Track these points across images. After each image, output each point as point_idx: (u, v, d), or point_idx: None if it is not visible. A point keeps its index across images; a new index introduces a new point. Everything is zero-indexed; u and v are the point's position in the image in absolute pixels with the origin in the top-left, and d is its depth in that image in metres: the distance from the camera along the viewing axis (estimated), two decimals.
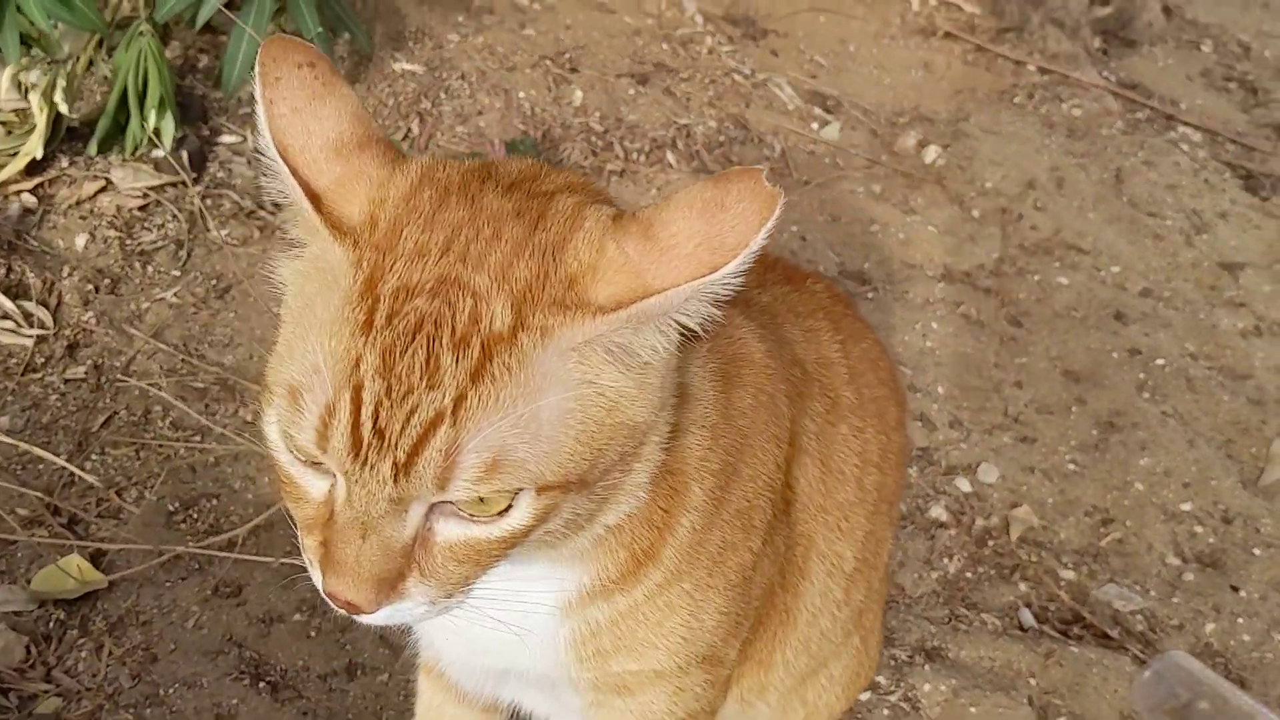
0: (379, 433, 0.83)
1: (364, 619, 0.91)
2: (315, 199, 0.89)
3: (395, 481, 0.84)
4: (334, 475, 0.88)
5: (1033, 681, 1.90)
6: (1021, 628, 2.01)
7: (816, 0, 3.52)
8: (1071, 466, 2.31)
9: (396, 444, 0.83)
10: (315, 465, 0.89)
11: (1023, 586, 2.09)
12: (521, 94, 2.90)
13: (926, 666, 1.89)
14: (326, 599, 0.90)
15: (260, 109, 0.89)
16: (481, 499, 0.86)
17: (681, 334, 0.90)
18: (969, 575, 2.10)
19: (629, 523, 1.04)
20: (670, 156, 2.86)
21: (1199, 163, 3.36)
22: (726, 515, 1.10)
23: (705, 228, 0.85)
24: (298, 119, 0.90)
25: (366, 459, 0.84)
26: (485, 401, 0.83)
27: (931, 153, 3.08)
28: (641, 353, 0.89)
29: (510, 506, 0.88)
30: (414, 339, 0.83)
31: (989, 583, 2.09)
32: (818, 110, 3.18)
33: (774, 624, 1.30)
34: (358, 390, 0.83)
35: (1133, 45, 3.97)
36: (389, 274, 0.85)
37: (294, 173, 0.89)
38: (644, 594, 1.08)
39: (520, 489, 0.87)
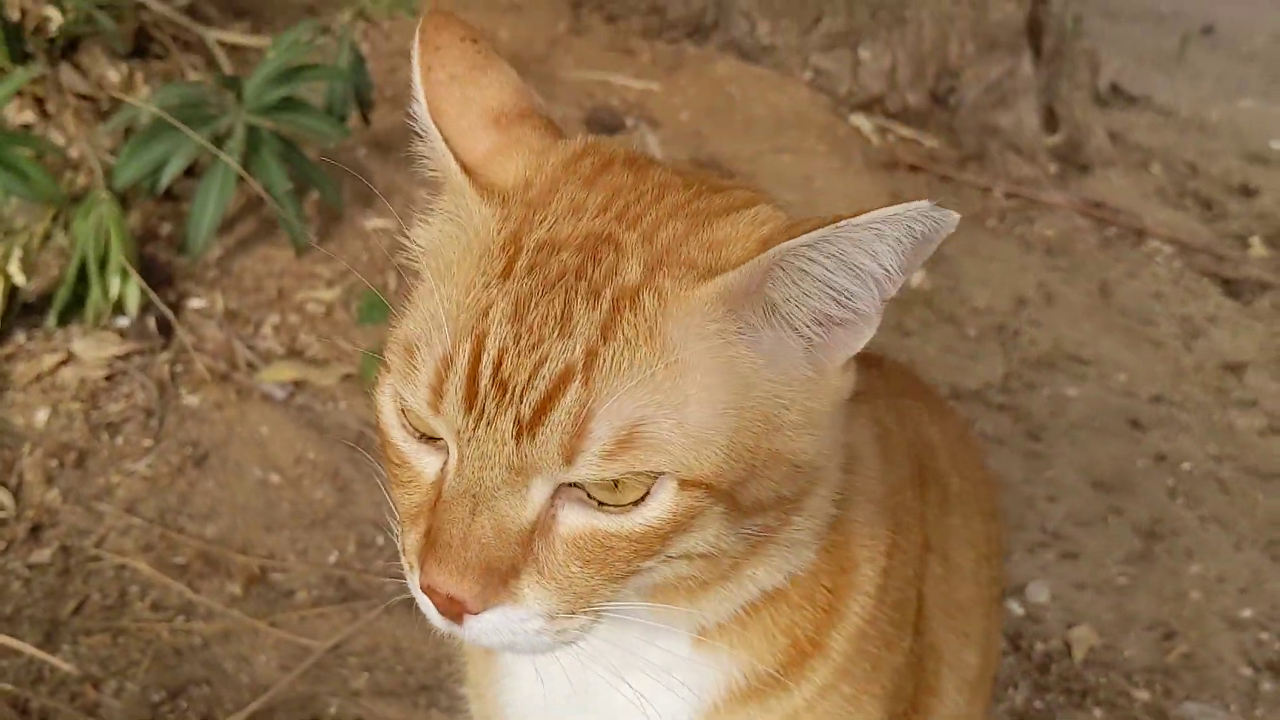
0: (500, 385, 0.73)
1: (468, 628, 0.77)
2: (465, 165, 0.84)
3: (517, 441, 0.73)
4: (448, 451, 0.77)
5: None
6: None
7: (778, 141, 3.53)
8: (1122, 580, 2.18)
9: (521, 397, 0.72)
10: (429, 441, 0.79)
11: (1098, 713, 1.91)
12: None
13: None
14: (424, 603, 0.77)
15: (417, 75, 0.86)
16: (615, 483, 0.74)
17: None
18: (1038, 705, 1.92)
19: (790, 598, 0.90)
20: None
21: (1176, 272, 3.36)
22: (888, 605, 0.95)
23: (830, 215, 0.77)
24: (455, 86, 0.87)
25: (484, 413, 0.74)
26: (619, 360, 0.73)
27: (917, 277, 3.03)
28: (794, 351, 0.79)
29: (647, 495, 0.75)
30: (552, 289, 0.75)
31: (1061, 711, 1.91)
32: None
33: None
34: (480, 339, 0.74)
35: (1086, 169, 4.04)
36: (537, 227, 0.79)
37: (445, 138, 0.85)
38: (804, 699, 0.91)
39: (660, 474, 0.74)
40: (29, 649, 1.62)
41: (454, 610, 0.76)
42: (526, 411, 0.73)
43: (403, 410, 0.80)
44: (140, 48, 2.93)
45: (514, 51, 3.73)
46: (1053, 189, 3.68)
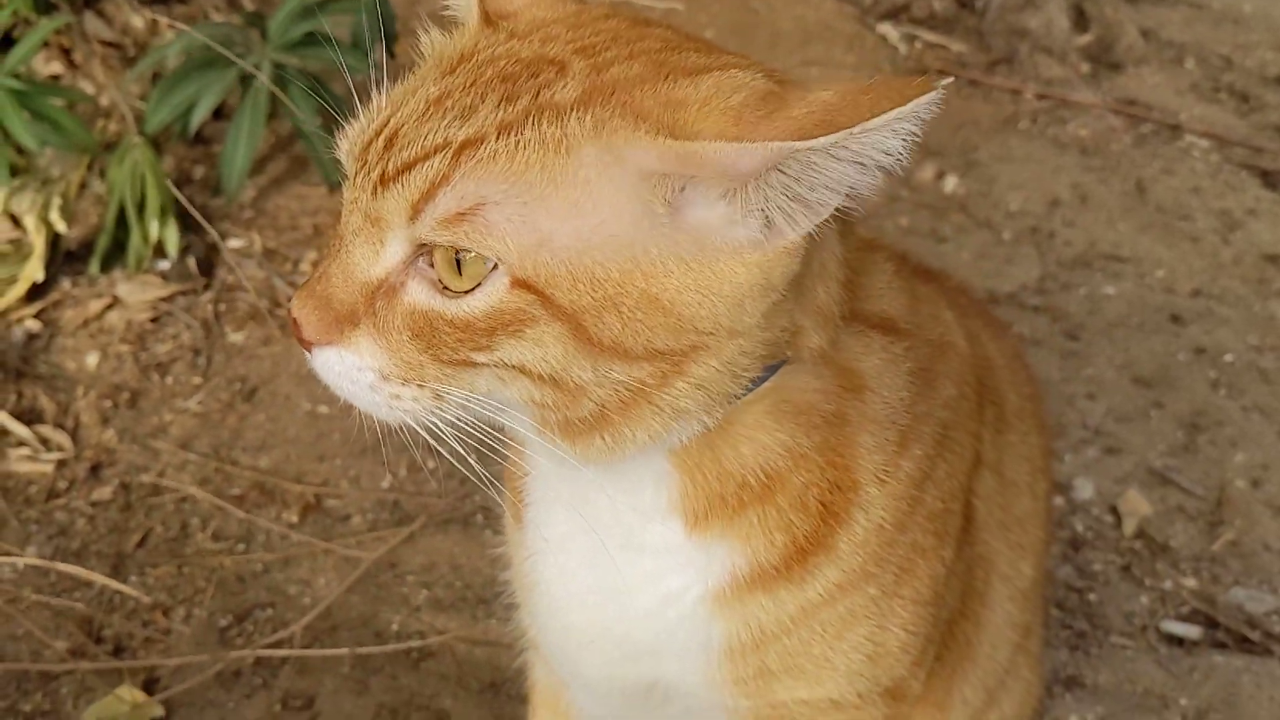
0: (387, 145, 0.79)
1: (312, 359, 0.84)
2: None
3: (373, 194, 0.79)
4: None
5: (1183, 701, 1.73)
6: (1152, 645, 1.85)
7: (806, 54, 3.49)
8: (1169, 472, 2.18)
9: (394, 158, 0.78)
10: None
11: (1144, 599, 1.93)
12: None
13: (1068, 696, 1.73)
14: (291, 325, 0.84)
15: None
16: (459, 267, 0.78)
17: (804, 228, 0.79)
18: (1083, 585, 1.94)
19: (777, 503, 0.93)
20: None
21: (1214, 166, 3.31)
22: (920, 517, 0.96)
23: (836, 100, 0.75)
24: None
25: (365, 165, 0.80)
26: (499, 157, 0.76)
27: (950, 182, 3.01)
28: (717, 224, 0.78)
29: (475, 287, 0.78)
30: (479, 86, 0.80)
31: (1107, 586, 1.93)
32: None
33: (954, 658, 1.14)
34: (395, 108, 0.81)
35: (1118, 68, 3.96)
36: (505, 43, 0.84)
37: None
38: (818, 593, 0.94)
39: (493, 266, 0.77)
40: (100, 578, 1.67)
41: (302, 340, 0.83)
42: (391, 169, 0.78)
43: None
44: None
45: None
46: (1085, 89, 3.62)
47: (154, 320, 2.23)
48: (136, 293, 2.27)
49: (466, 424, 0.85)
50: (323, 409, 2.09)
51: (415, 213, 0.77)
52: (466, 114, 0.78)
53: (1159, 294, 2.69)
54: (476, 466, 0.89)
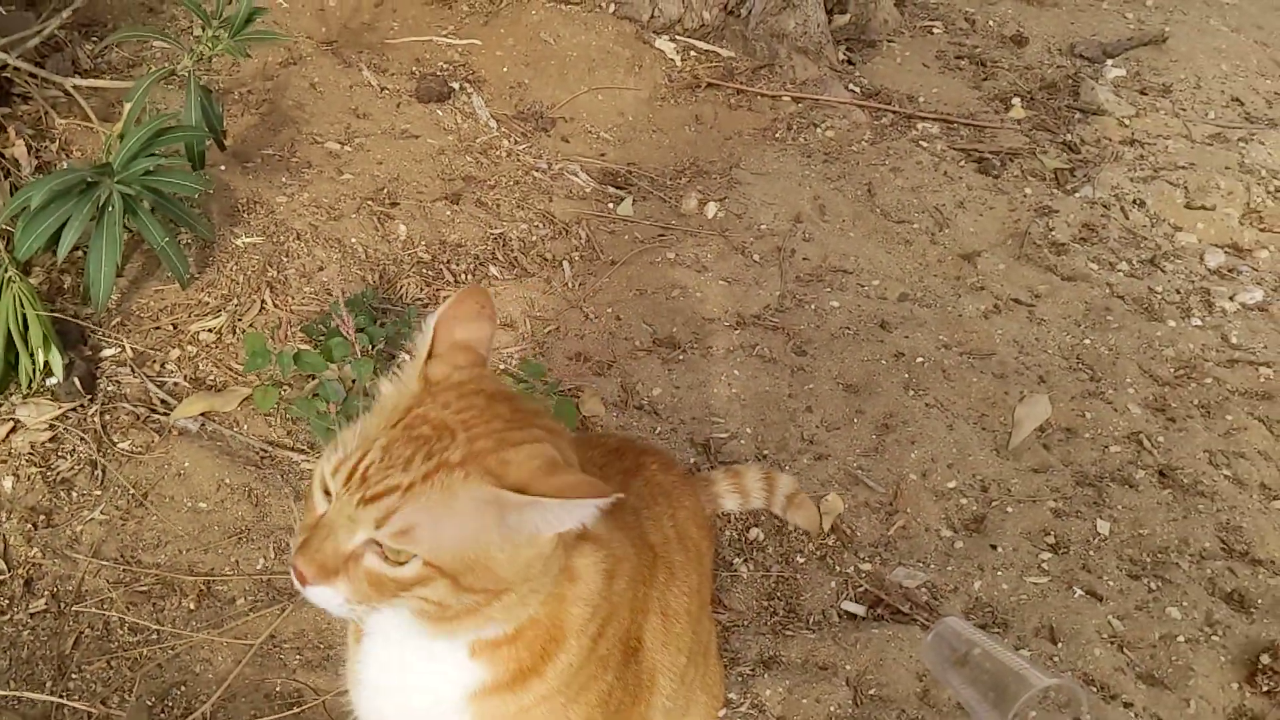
0: (364, 478, 1.39)
1: (306, 591, 1.42)
2: (428, 356, 1.47)
3: (357, 507, 1.39)
4: (330, 500, 1.42)
5: (848, 666, 2.46)
6: (832, 624, 2.57)
7: (592, 81, 3.98)
8: (859, 472, 2.87)
9: (369, 488, 1.38)
10: (325, 493, 1.43)
11: (833, 584, 2.65)
12: (353, 239, 3.32)
13: (765, 674, 2.44)
14: (291, 569, 1.42)
15: (443, 308, 1.49)
16: (396, 549, 1.39)
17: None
18: (788, 576, 2.64)
19: (518, 644, 1.57)
20: (494, 269, 3.32)
21: (938, 155, 3.94)
22: (594, 659, 1.62)
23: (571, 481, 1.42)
24: (457, 322, 1.51)
25: (349, 487, 1.40)
26: (421, 495, 1.38)
27: (712, 209, 3.59)
28: (520, 529, 1.41)
29: (406, 563, 1.40)
30: (411, 442, 1.40)
31: (805, 576, 2.64)
32: (611, 189, 3.66)
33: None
34: (364, 453, 1.41)
35: (874, 45, 4.53)
36: (422, 406, 1.44)
37: (433, 340, 1.47)
38: (530, 700, 1.60)
39: (415, 555, 1.39)
40: (43, 696, 2.26)
41: (301, 579, 1.42)
42: (369, 494, 1.39)
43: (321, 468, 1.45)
44: (3, 92, 3.33)
45: (342, 20, 4.10)
46: (838, 84, 4.18)
47: (52, 439, 2.74)
48: (34, 415, 2.78)
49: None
50: (202, 504, 2.65)
51: (379, 524, 1.38)
52: (406, 464, 1.36)
53: (874, 302, 3.35)
54: None
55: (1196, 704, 2.42)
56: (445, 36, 4.04)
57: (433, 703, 1.61)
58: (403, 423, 1.41)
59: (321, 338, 2.98)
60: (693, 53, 4.18)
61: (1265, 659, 2.45)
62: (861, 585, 2.64)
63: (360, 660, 1.69)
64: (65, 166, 3.09)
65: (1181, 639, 2.53)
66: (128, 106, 3.10)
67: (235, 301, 3.10)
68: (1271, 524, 2.81)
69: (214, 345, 3.01)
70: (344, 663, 1.84)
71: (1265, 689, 2.44)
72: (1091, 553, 2.72)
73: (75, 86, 3.40)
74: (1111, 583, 2.65)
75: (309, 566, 1.40)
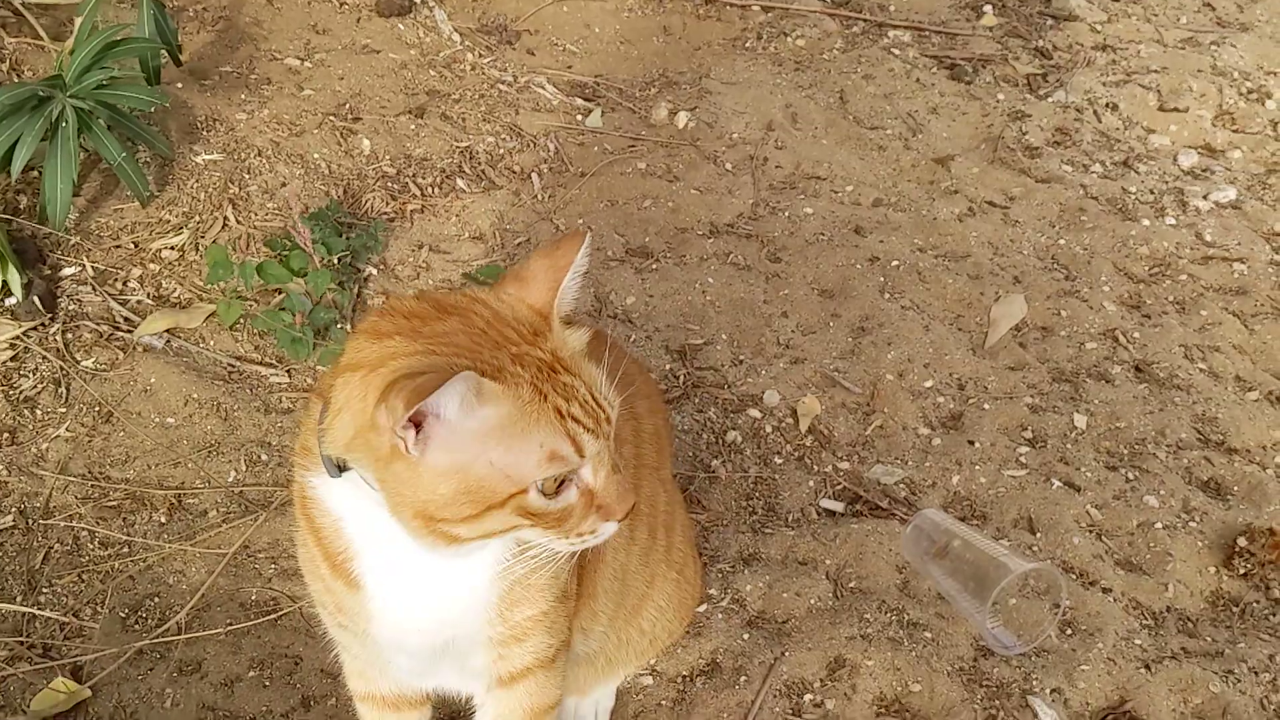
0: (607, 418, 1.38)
1: (605, 529, 1.41)
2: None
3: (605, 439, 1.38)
4: (578, 474, 1.37)
5: (827, 561, 2.46)
6: (811, 522, 2.56)
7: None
8: (836, 374, 2.86)
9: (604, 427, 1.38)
10: (563, 487, 1.36)
11: (811, 483, 2.64)
12: (316, 155, 3.25)
13: (745, 570, 2.43)
14: (614, 511, 1.40)
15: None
16: None
17: None
18: (766, 476, 2.63)
19: None
20: (461, 183, 3.26)
21: (910, 63, 3.88)
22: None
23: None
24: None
25: (599, 433, 1.37)
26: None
27: (683, 118, 3.53)
28: None
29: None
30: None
31: (783, 476, 2.62)
32: (579, 101, 3.60)
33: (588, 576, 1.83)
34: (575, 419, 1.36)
35: None
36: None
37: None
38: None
39: None
40: (19, 607, 2.23)
41: (617, 518, 1.41)
42: (606, 431, 1.38)
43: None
44: None
45: None
46: None
47: (14, 358, 2.68)
48: None
49: None
50: (170, 419, 2.61)
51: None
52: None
53: (848, 208, 3.31)
54: None
55: (1175, 588, 2.43)
56: None
57: (468, 589, 1.57)
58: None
59: (286, 252, 2.92)
60: None
61: (1242, 542, 2.46)
62: (840, 483, 2.63)
63: (371, 592, 1.57)
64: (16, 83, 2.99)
65: (1159, 526, 2.54)
66: (79, 21, 3.00)
67: (197, 219, 3.03)
68: (1247, 414, 2.81)
69: (177, 263, 2.95)
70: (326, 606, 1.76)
71: (1242, 571, 2.45)
72: (1069, 446, 2.72)
73: (24, 4, 3.30)
74: (1089, 474, 2.65)
75: (632, 494, 1.42)
